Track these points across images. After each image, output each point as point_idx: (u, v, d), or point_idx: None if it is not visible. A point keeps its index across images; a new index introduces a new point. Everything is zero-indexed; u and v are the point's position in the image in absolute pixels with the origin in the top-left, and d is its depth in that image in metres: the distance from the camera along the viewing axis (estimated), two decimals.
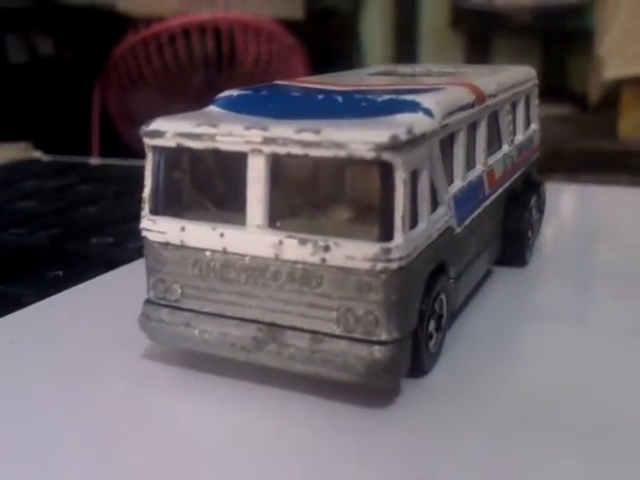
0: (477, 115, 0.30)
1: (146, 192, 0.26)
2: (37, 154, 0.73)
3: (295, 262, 0.24)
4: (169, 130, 0.25)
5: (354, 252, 0.23)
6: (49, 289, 0.36)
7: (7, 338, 0.30)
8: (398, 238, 0.23)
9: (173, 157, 0.26)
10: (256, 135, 0.24)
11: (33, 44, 1.13)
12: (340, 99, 0.27)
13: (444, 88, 0.28)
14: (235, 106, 0.28)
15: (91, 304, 0.33)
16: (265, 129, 0.24)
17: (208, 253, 0.25)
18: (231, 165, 0.25)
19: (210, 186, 0.26)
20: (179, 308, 0.26)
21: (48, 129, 0.79)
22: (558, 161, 0.93)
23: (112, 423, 0.24)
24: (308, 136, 0.23)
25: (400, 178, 0.23)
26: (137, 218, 0.27)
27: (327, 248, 0.23)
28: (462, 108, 0.28)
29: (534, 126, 0.40)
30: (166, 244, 0.26)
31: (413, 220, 0.24)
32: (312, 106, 0.27)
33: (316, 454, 0.23)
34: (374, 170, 0.23)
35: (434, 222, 0.26)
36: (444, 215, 0.27)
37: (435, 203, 0.26)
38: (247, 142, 0.24)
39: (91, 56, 1.12)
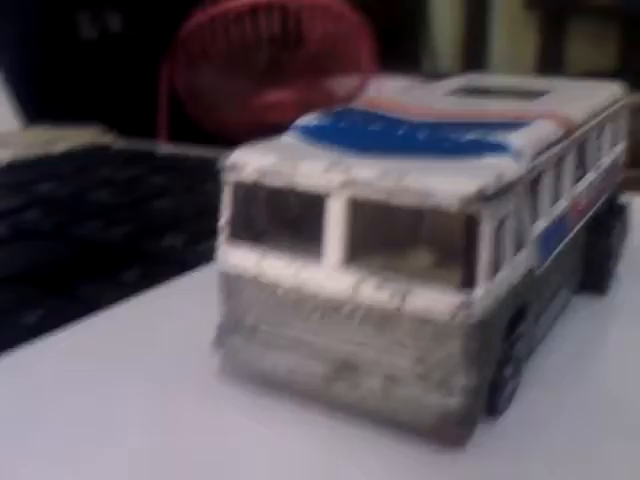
0: (565, 149, 0.29)
1: (223, 221, 0.26)
2: (108, 138, 0.74)
3: (371, 305, 0.24)
4: (248, 165, 0.25)
5: (433, 302, 0.23)
6: (124, 291, 0.36)
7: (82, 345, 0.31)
8: (479, 290, 0.22)
9: (252, 191, 0.26)
10: (336, 178, 0.23)
11: (104, 20, 1.14)
12: (421, 136, 0.26)
13: (531, 122, 0.27)
14: (314, 136, 0.27)
15: (166, 311, 0.34)
16: (346, 172, 0.23)
17: (282, 288, 0.25)
18: (310, 203, 0.24)
19: (288, 221, 0.25)
20: (251, 339, 0.26)
21: (116, 107, 0.79)
22: None
23: (178, 439, 0.25)
24: (391, 182, 0.23)
25: (485, 230, 0.22)
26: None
27: (405, 295, 0.23)
28: (550, 145, 0.27)
29: (620, 147, 0.39)
30: (241, 275, 0.26)
31: (495, 269, 0.23)
32: (393, 142, 0.26)
33: None
34: (459, 221, 0.22)
35: (516, 267, 0.25)
36: (527, 258, 0.26)
37: (519, 246, 0.25)
38: (326, 184, 0.24)
39: (159, 34, 1.13)
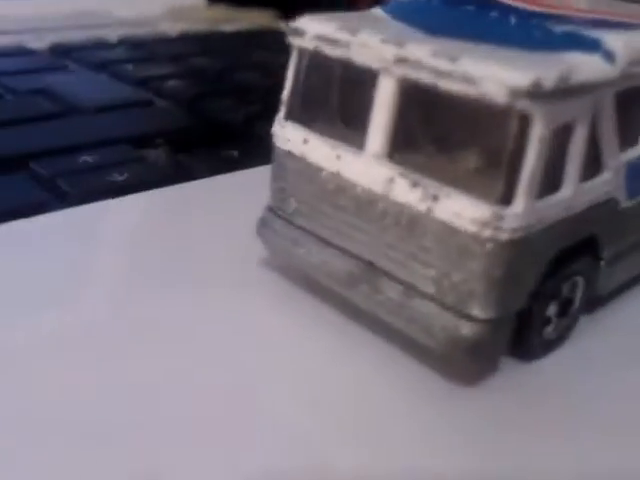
0: None
1: (284, 95, 0.25)
2: (281, 24, 0.73)
3: (403, 205, 0.21)
4: (310, 31, 0.23)
5: (463, 209, 0.20)
6: (220, 167, 0.36)
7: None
8: (518, 205, 0.19)
9: (312, 61, 0.24)
10: (389, 51, 0.21)
11: None
12: (514, 21, 0.22)
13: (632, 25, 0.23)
14: (399, 13, 0.24)
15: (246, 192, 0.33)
16: (400, 45, 0.21)
17: (324, 173, 0.23)
18: (364, 80, 0.22)
19: (343, 100, 0.23)
20: (292, 223, 0.25)
21: None
22: None
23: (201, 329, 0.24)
24: (442, 63, 0.20)
25: (537, 134, 0.19)
26: None
27: (436, 197, 0.20)
28: None
29: None
30: (289, 153, 0.24)
31: (550, 185, 0.20)
32: (478, 25, 0.23)
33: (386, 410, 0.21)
34: (507, 118, 0.19)
35: (586, 191, 0.21)
36: (606, 184, 0.22)
37: (596, 168, 0.21)
38: (380, 59, 0.21)
39: None
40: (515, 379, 0.22)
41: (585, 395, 0.22)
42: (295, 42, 0.23)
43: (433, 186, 0.20)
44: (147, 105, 0.46)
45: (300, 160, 0.24)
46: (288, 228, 0.25)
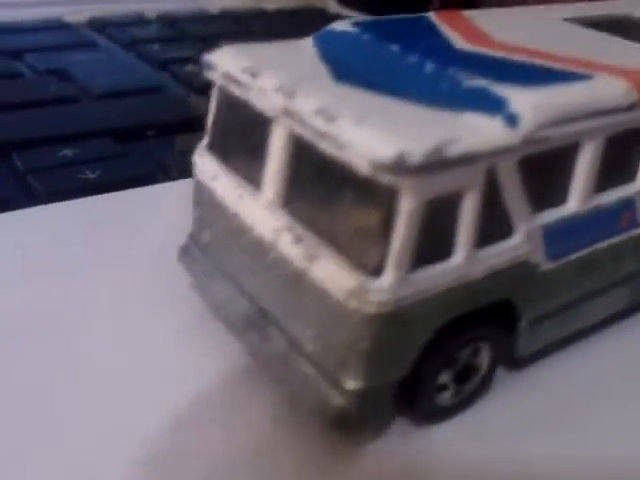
0: (638, 120, 0.22)
1: (207, 124, 0.24)
2: (330, 2, 0.71)
3: (287, 259, 0.20)
4: (219, 67, 0.22)
5: (335, 275, 0.19)
6: None
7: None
8: (387, 278, 0.18)
9: (224, 96, 0.23)
10: (279, 102, 0.20)
11: None
12: (429, 69, 0.21)
13: (591, 77, 0.21)
14: (325, 46, 0.23)
15: None
16: (290, 96, 0.20)
17: (230, 210, 0.23)
18: (264, 124, 0.21)
19: (249, 140, 0.22)
20: (206, 254, 0.24)
21: None
22: None
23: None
24: (319, 122, 0.19)
25: (405, 207, 0.18)
26: None
27: (314, 257, 0.19)
28: (600, 113, 0.21)
29: None
30: (204, 185, 0.24)
31: (435, 254, 0.19)
32: (392, 71, 0.21)
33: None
34: (375, 189, 0.18)
35: (488, 256, 0.20)
36: (516, 248, 0.21)
37: (502, 232, 0.20)
38: (272, 107, 0.20)
39: None
40: (407, 444, 0.21)
41: (467, 466, 0.21)
42: (209, 75, 0.23)
43: (314, 245, 0.19)
44: (156, 92, 0.46)
45: (211, 194, 0.23)
46: (203, 259, 0.24)
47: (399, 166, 0.17)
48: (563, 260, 0.22)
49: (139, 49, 0.53)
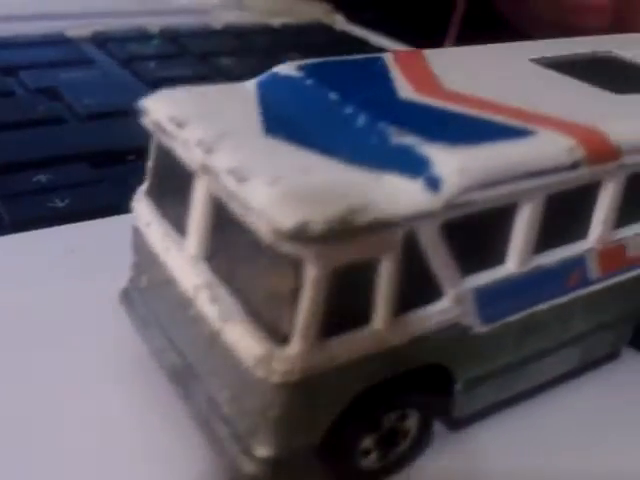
0: (584, 178, 0.21)
1: (148, 168, 0.24)
2: (334, 19, 0.71)
3: (205, 317, 0.20)
4: (150, 113, 0.22)
5: (244, 340, 0.18)
6: None
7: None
8: (294, 347, 0.17)
9: (157, 142, 0.22)
10: (199, 156, 0.19)
11: None
12: (362, 121, 0.20)
13: (534, 133, 0.20)
14: (267, 91, 0.23)
15: None
16: (210, 152, 0.19)
17: (160, 260, 0.22)
18: (189, 174, 0.20)
19: (178, 191, 0.22)
20: (144, 300, 0.24)
21: None
22: None
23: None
24: (231, 182, 0.18)
25: (310, 277, 0.17)
26: None
27: (227, 320, 0.19)
28: (538, 173, 0.20)
29: None
30: (140, 231, 0.23)
31: (346, 322, 0.18)
32: (325, 123, 0.21)
33: None
34: (280, 257, 0.17)
35: (411, 322, 0.19)
36: (446, 312, 0.20)
37: (428, 296, 0.19)
38: (193, 160, 0.20)
39: None
40: None
41: None
42: (143, 121, 0.22)
43: (228, 306, 0.19)
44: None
45: (145, 240, 0.23)
46: (141, 304, 0.24)
47: (300, 235, 0.16)
48: (500, 322, 0.21)
49: (135, 66, 0.53)
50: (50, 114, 0.44)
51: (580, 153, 0.20)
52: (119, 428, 0.22)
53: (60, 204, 0.34)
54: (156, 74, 0.52)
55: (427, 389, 0.21)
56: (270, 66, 0.45)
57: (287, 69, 0.23)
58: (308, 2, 0.72)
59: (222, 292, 0.19)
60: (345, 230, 0.16)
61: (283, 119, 0.21)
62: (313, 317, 0.17)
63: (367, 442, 0.20)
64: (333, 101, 0.21)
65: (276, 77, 0.23)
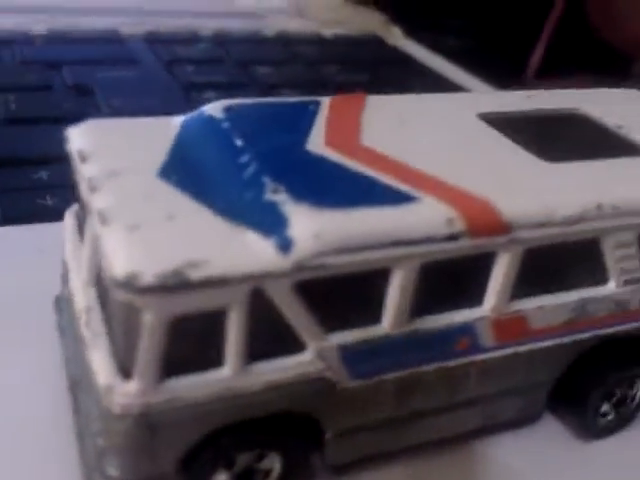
0: (467, 249, 0.21)
1: None
2: (395, 30, 0.71)
3: (82, 337, 0.21)
4: (69, 142, 0.23)
5: (100, 367, 0.20)
6: None
7: None
8: (134, 383, 0.19)
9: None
10: (85, 195, 0.21)
11: None
12: (248, 174, 0.21)
13: (415, 201, 0.20)
14: (185, 130, 0.24)
15: None
16: (93, 190, 0.20)
17: (69, 276, 0.24)
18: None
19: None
20: (65, 309, 0.26)
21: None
22: None
23: None
24: (97, 223, 0.19)
25: (146, 323, 0.18)
26: None
27: (92, 345, 0.20)
28: (406, 242, 0.20)
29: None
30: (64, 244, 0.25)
31: (192, 366, 0.19)
32: (217, 170, 0.22)
33: None
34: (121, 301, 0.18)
35: (261, 372, 0.20)
36: (304, 365, 0.20)
37: (286, 348, 0.20)
38: (83, 197, 0.21)
39: None
40: None
41: None
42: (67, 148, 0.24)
43: (96, 331, 0.20)
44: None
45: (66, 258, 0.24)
46: (64, 313, 0.26)
47: (130, 286, 0.17)
48: (373, 379, 0.22)
49: (175, 69, 0.55)
50: (74, 112, 0.46)
51: (460, 225, 0.20)
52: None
53: (49, 202, 0.36)
54: (192, 79, 0.54)
55: (299, 434, 0.22)
56: (307, 78, 0.46)
57: (213, 109, 0.24)
58: (369, 12, 0.72)
59: (96, 318, 0.21)
60: (180, 283, 0.17)
61: (184, 161, 0.22)
62: (151, 359, 0.18)
63: (222, 478, 0.21)
64: (236, 148, 0.22)
65: (200, 117, 0.24)
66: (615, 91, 0.33)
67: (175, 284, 0.17)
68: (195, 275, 0.18)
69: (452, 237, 0.20)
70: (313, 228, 0.19)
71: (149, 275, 0.17)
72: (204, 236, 0.19)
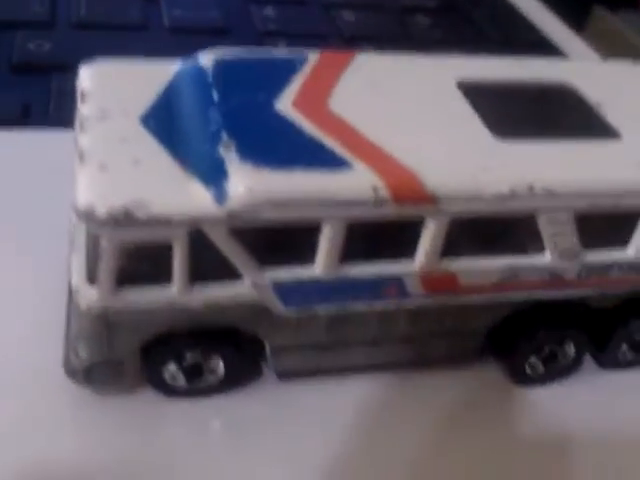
0: (393, 214, 0.24)
1: None
2: None
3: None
4: (78, 80, 0.27)
5: (78, 269, 0.24)
6: None
7: None
8: (94, 288, 0.23)
9: None
10: (76, 130, 0.25)
11: None
12: (213, 127, 0.24)
13: (348, 167, 0.24)
14: (177, 76, 0.27)
15: None
16: (81, 129, 0.24)
17: None
18: None
19: None
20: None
21: None
22: None
23: None
24: (76, 160, 0.23)
25: (104, 246, 0.22)
26: None
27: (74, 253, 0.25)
28: (332, 204, 0.23)
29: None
30: None
31: (144, 281, 0.24)
32: (190, 120, 0.25)
33: None
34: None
35: (202, 292, 0.24)
36: (241, 292, 0.25)
37: (226, 276, 0.24)
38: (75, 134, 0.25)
39: None
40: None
41: None
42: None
43: (77, 240, 0.25)
44: (221, 34, 0.50)
45: None
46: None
47: (88, 217, 0.22)
48: (306, 310, 0.26)
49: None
50: (136, 19, 0.50)
51: (384, 193, 0.23)
52: None
53: None
54: None
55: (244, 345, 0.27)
56: (388, 28, 0.45)
57: (205, 59, 0.27)
58: None
59: (81, 230, 0.25)
60: (127, 219, 0.22)
61: (166, 109, 0.25)
62: (107, 273, 0.23)
63: (172, 367, 0.26)
64: (212, 101, 0.25)
65: (191, 65, 0.27)
66: (618, 65, 0.34)
67: (123, 219, 0.22)
68: (140, 213, 0.22)
69: (377, 203, 0.23)
70: (247, 184, 0.22)
71: (102, 210, 0.21)
72: (157, 181, 0.23)
